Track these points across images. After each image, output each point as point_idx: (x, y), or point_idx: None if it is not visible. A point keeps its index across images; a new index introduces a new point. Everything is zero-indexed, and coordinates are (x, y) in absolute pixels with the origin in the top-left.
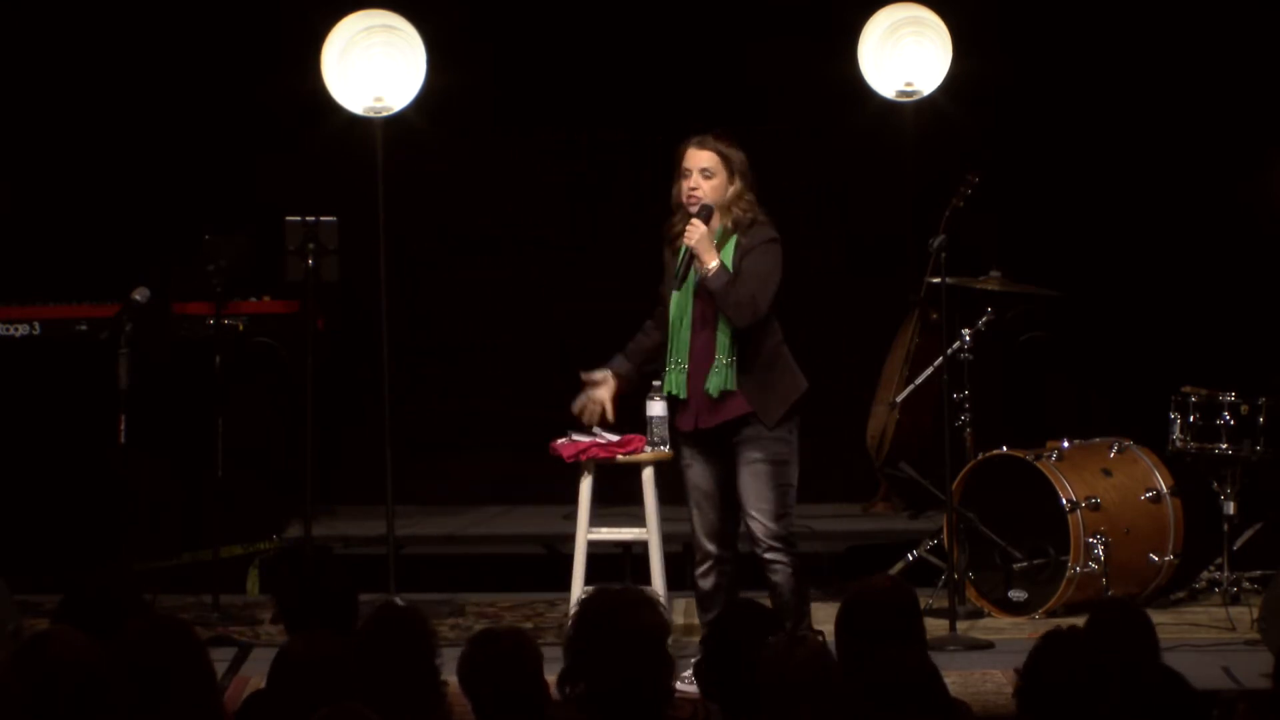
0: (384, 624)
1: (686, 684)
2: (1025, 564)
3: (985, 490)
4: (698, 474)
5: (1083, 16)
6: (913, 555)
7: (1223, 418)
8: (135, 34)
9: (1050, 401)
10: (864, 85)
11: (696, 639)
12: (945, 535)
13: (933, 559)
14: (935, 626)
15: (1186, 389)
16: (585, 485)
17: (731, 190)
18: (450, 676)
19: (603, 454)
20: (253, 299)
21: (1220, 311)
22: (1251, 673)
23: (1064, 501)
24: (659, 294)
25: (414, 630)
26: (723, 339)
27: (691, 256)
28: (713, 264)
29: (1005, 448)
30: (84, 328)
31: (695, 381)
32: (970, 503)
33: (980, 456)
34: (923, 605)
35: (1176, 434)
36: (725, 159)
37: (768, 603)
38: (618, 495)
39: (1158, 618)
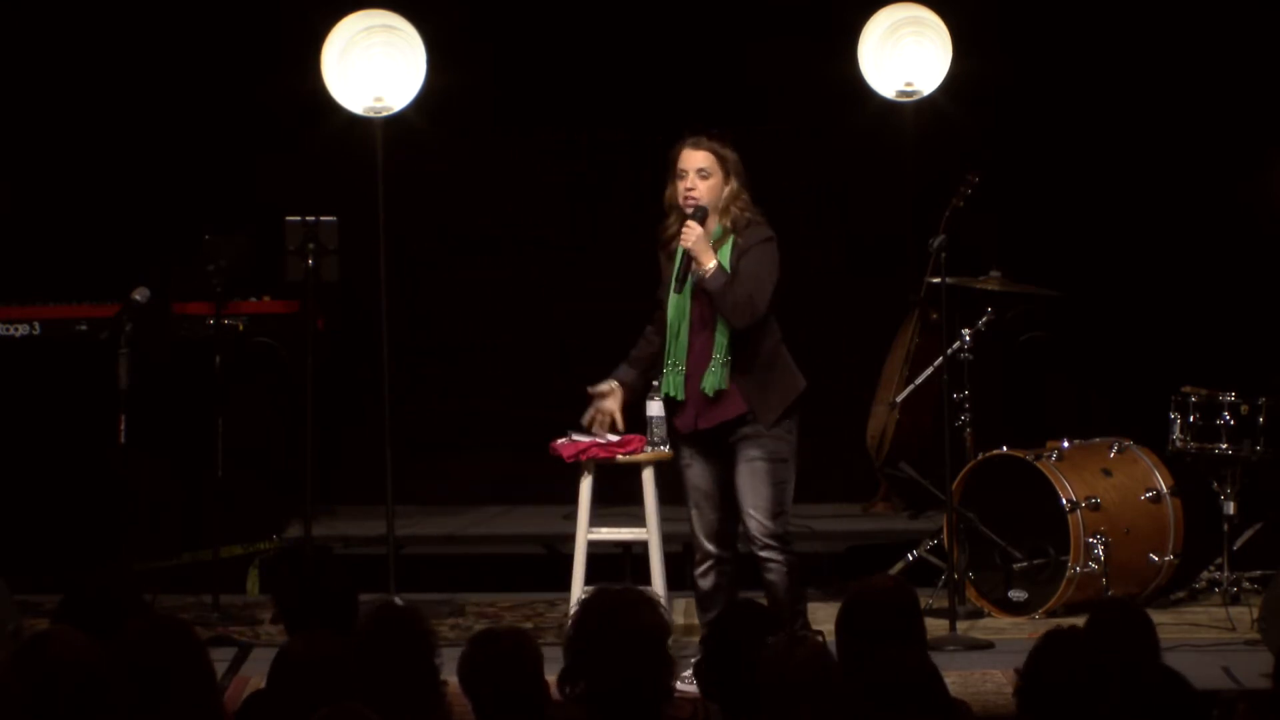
0: (383, 624)
1: (686, 684)
2: (1025, 564)
3: (985, 490)
4: (697, 474)
5: (1083, 16)
6: (913, 555)
7: (1223, 418)
8: (135, 34)
9: (1050, 401)
10: (864, 85)
11: (696, 639)
12: (945, 535)
13: (933, 559)
14: (935, 626)
15: (1186, 389)
16: (585, 485)
17: (727, 190)
18: (450, 676)
19: (603, 454)
20: (253, 299)
21: (1220, 311)
22: (1251, 673)
23: (1064, 501)
24: (657, 299)
25: (413, 630)
26: (721, 339)
27: (689, 259)
28: (710, 265)
29: (1005, 448)
30: (84, 328)
31: (693, 383)
32: (970, 503)
33: (980, 456)
34: (923, 605)
35: (1176, 434)
36: (721, 159)
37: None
38: (618, 495)
39: (1158, 618)
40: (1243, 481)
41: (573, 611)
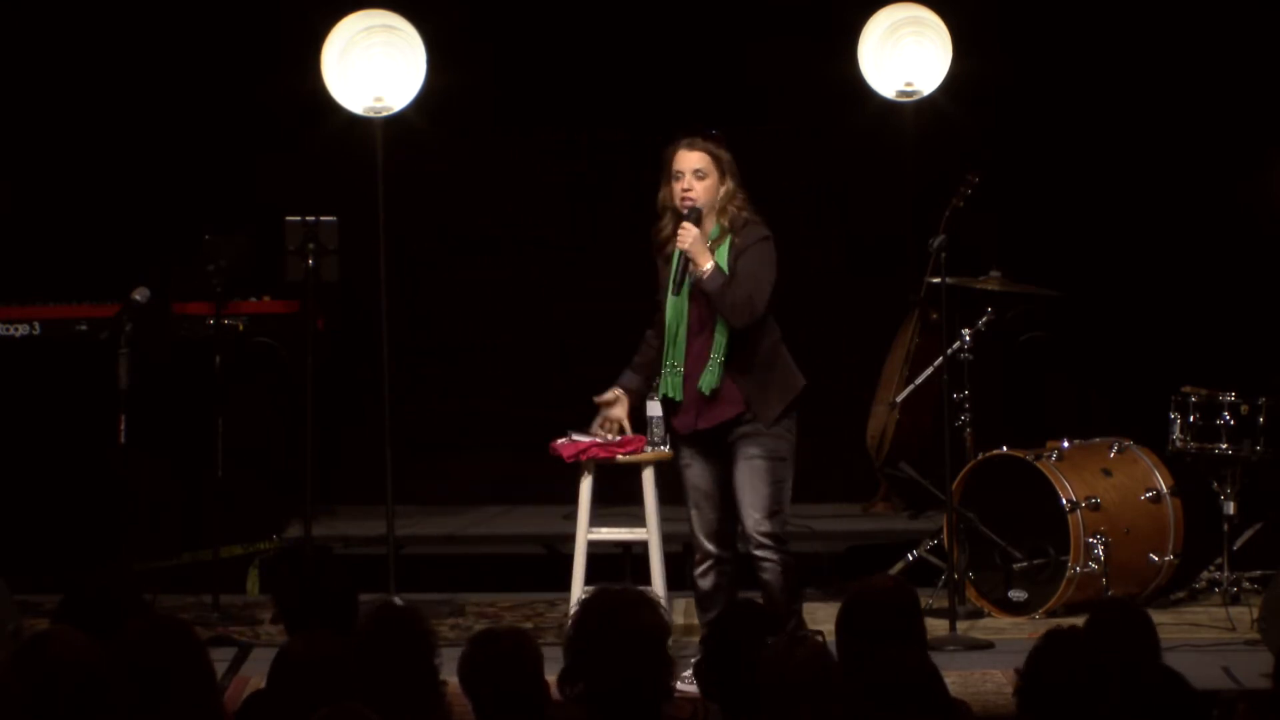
0: (383, 624)
1: (686, 684)
2: (1025, 564)
3: (985, 490)
4: (696, 474)
5: (1083, 16)
6: (913, 555)
7: (1223, 418)
8: (135, 34)
9: (1050, 401)
10: (864, 85)
11: (696, 639)
12: (945, 535)
13: (933, 559)
14: (935, 626)
15: (1186, 389)
16: (585, 485)
17: (723, 190)
18: (450, 676)
19: (603, 454)
20: (253, 299)
21: (1220, 311)
22: (1251, 673)
23: (1064, 501)
24: (656, 302)
25: (413, 630)
26: (720, 339)
27: (686, 260)
28: (707, 266)
29: (1005, 448)
30: (84, 328)
31: (691, 383)
32: (970, 503)
33: (980, 456)
34: (923, 605)
35: (1176, 434)
36: (716, 159)
37: None
38: (618, 495)
39: (1158, 618)
40: (1243, 481)
41: (573, 611)
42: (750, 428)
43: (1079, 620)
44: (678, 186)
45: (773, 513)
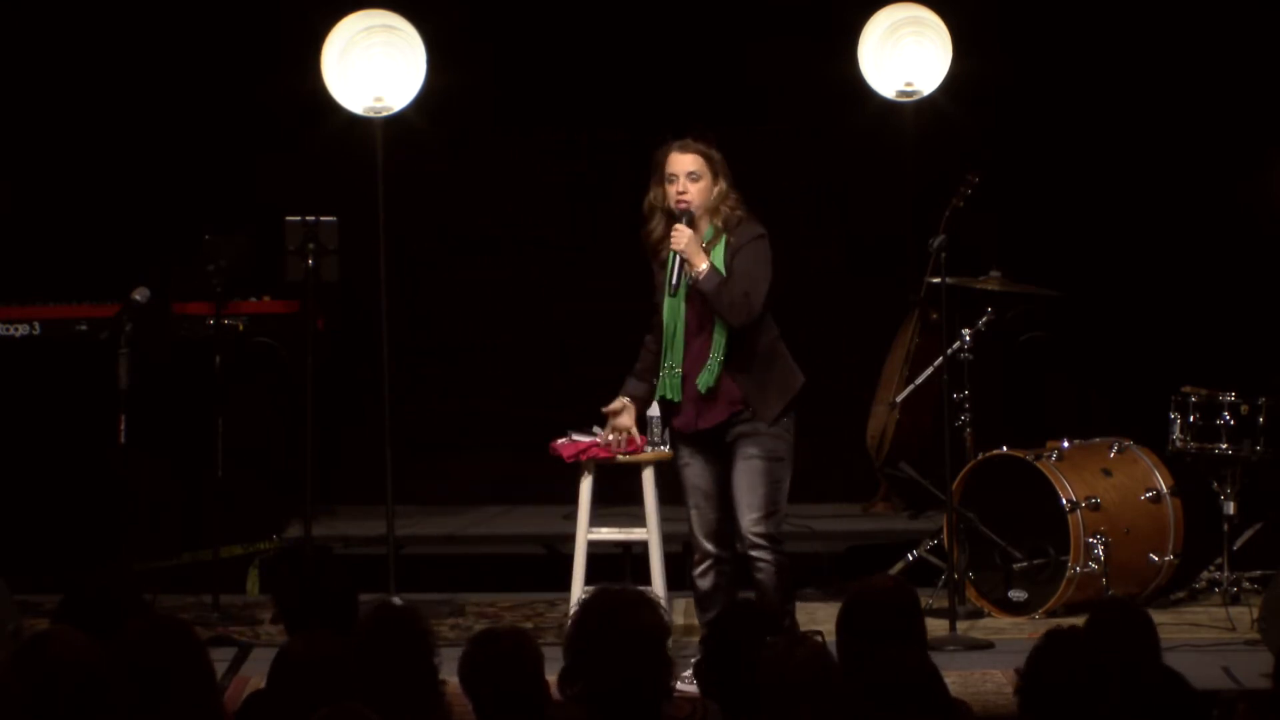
0: (383, 624)
1: (686, 684)
2: (1025, 564)
3: (985, 490)
4: (695, 473)
5: (1083, 16)
6: (913, 555)
7: (1223, 418)
8: (135, 34)
9: (1050, 401)
10: (864, 85)
11: (696, 639)
12: (945, 535)
13: (933, 559)
14: (935, 626)
15: (1186, 389)
16: (585, 485)
17: (717, 191)
18: (450, 676)
19: (603, 454)
20: (253, 299)
21: (1220, 311)
22: (1251, 673)
23: (1064, 501)
24: (654, 305)
25: (412, 630)
26: (719, 339)
27: (681, 262)
28: (703, 266)
29: (1005, 448)
30: (84, 328)
31: (690, 383)
32: (970, 503)
33: (980, 456)
34: (923, 605)
35: (1176, 434)
36: (709, 160)
37: None
38: (618, 495)
39: (1158, 618)
40: (1243, 481)
41: (573, 611)
42: (749, 427)
43: (1079, 620)
44: (671, 189)
45: (769, 513)
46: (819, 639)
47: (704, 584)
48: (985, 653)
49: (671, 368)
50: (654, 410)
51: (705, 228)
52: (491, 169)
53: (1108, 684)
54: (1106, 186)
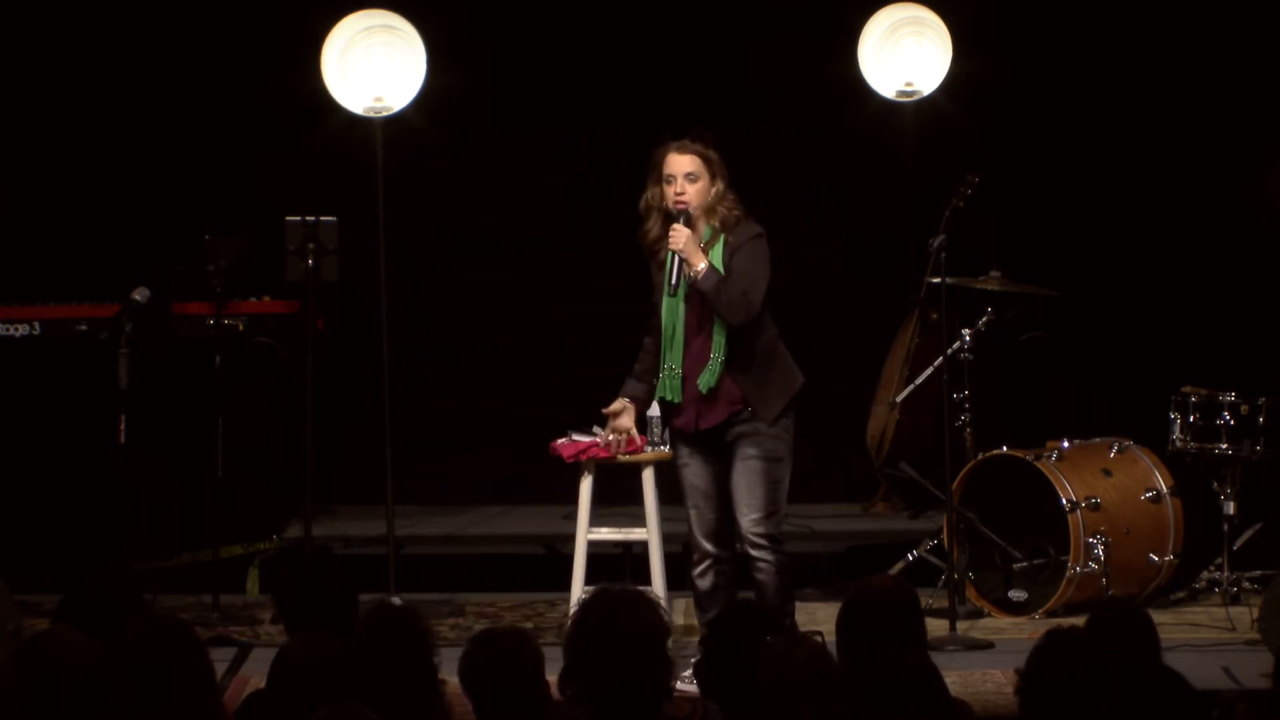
0: (383, 624)
1: (686, 684)
2: (1025, 564)
3: (985, 490)
4: (695, 473)
5: (1083, 16)
6: (913, 555)
7: (1223, 418)
8: (135, 34)
9: (1050, 401)
10: (864, 85)
11: (696, 639)
12: (945, 535)
13: (933, 559)
14: (935, 626)
15: (1186, 389)
16: (585, 485)
17: (714, 191)
18: (450, 676)
19: (603, 454)
20: (253, 299)
21: (1220, 311)
22: (1251, 673)
23: (1064, 501)
24: (652, 304)
25: (412, 630)
26: (719, 339)
27: (680, 261)
28: (701, 266)
29: (1005, 448)
30: (84, 328)
31: (691, 384)
32: (970, 503)
33: (980, 456)
34: (923, 605)
35: (1176, 434)
36: (706, 160)
37: None
38: (618, 495)
39: (1158, 618)
40: (1243, 481)
41: (573, 611)
42: (749, 426)
43: (1079, 620)
44: (669, 190)
45: (769, 513)
46: (819, 639)
47: (703, 584)
48: (985, 653)
49: (671, 369)
50: (654, 410)
51: (703, 228)
52: (491, 169)
53: (1108, 684)
54: (1106, 186)
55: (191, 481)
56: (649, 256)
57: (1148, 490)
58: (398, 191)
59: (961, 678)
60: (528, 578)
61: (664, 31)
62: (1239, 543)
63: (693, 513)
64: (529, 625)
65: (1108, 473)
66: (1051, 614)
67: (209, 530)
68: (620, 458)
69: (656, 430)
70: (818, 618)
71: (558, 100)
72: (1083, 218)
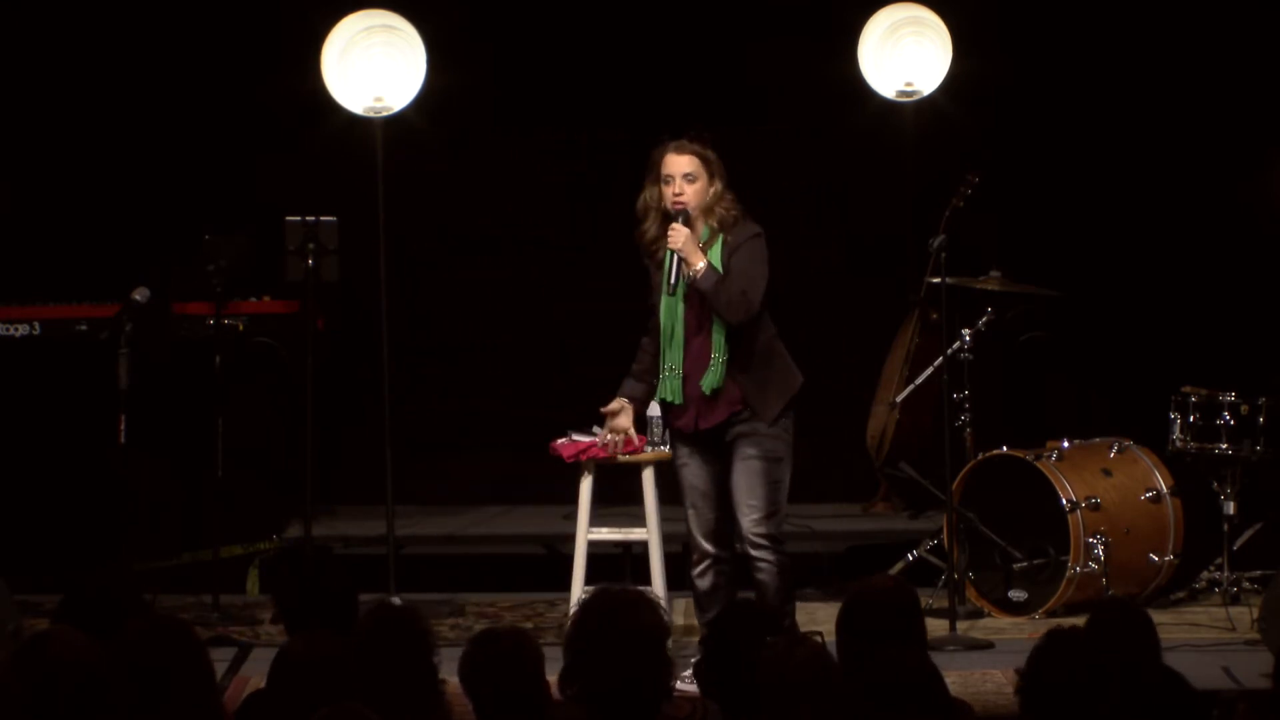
0: (383, 624)
1: (686, 684)
2: (1025, 564)
3: (985, 490)
4: (694, 473)
5: (1083, 16)
6: (913, 555)
7: (1223, 418)
8: (135, 34)
9: (1050, 401)
10: (864, 85)
11: (696, 639)
12: (945, 535)
13: (933, 559)
14: (935, 626)
15: (1186, 389)
16: (585, 485)
17: (712, 191)
18: (450, 676)
19: (602, 454)
20: (253, 299)
21: (1220, 311)
22: (1251, 673)
23: (1064, 501)
24: (650, 305)
25: (412, 630)
26: (718, 339)
27: (679, 261)
28: (700, 265)
29: (1005, 448)
30: (84, 328)
31: (691, 384)
32: (970, 503)
33: (980, 456)
34: (923, 605)
35: (1176, 434)
36: (705, 161)
37: None
38: (618, 495)
39: (1158, 618)
40: (1243, 481)
41: (573, 611)
42: (748, 426)
43: (1079, 620)
44: (668, 190)
45: (769, 513)
46: (819, 639)
47: (703, 584)
48: (985, 653)
49: (671, 369)
50: (654, 410)
51: (701, 228)
52: (491, 169)
53: (1108, 684)
54: (1106, 186)
55: (191, 481)
56: (646, 256)
57: (1148, 490)
58: (398, 191)
59: (961, 678)
60: (528, 578)
61: (664, 31)
62: (1239, 543)
63: (691, 513)
64: (529, 625)
65: (1108, 473)
66: (1051, 614)
67: (209, 530)
68: (620, 458)
69: (656, 430)
70: (818, 618)
71: (558, 100)
72: (1082, 218)
